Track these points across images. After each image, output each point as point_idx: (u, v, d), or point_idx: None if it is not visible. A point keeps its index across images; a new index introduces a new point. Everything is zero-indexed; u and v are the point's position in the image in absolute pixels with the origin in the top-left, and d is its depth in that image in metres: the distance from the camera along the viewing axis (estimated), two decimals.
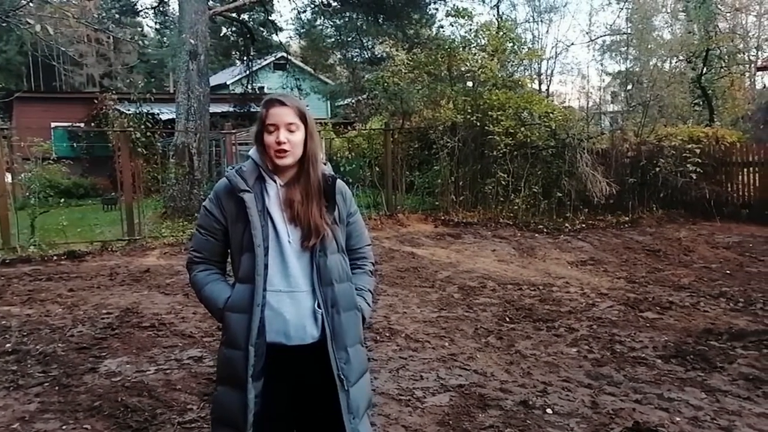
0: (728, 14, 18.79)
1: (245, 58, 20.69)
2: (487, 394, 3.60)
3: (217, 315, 2.01)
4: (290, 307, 1.92)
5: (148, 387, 3.75)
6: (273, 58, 26.94)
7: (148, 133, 10.74)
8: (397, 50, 14.19)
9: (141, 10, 20.63)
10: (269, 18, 20.61)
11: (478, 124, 11.00)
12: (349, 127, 15.29)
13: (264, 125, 1.95)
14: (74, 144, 19.14)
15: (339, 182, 2.05)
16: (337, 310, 1.96)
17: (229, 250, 2.06)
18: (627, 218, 10.47)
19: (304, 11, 18.67)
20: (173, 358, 4.31)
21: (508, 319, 5.22)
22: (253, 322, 1.89)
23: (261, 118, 1.97)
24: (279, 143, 1.93)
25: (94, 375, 3.99)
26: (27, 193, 9.47)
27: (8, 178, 9.37)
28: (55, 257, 8.13)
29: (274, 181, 1.99)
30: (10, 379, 3.91)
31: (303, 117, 1.98)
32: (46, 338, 4.77)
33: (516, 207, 10.49)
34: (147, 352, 4.44)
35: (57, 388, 3.77)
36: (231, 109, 20.23)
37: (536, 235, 9.55)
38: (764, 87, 21.86)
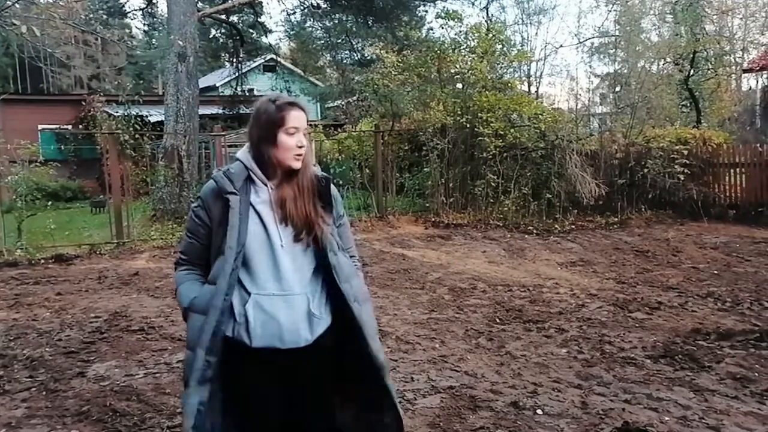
0: (715, 17, 18.97)
1: (234, 60, 20.67)
2: (478, 396, 3.61)
3: (183, 314, 2.03)
4: (284, 311, 1.91)
5: (137, 391, 3.72)
6: (262, 60, 26.89)
7: (137, 136, 10.67)
8: (387, 52, 14.20)
9: (129, 12, 20.45)
10: (258, 20, 20.55)
11: (468, 125, 11.03)
12: (339, 129, 15.28)
13: (284, 127, 1.95)
14: (62, 146, 19.02)
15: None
16: (358, 303, 2.01)
17: None
18: (616, 219, 10.54)
19: (294, 13, 18.67)
20: (162, 361, 4.28)
21: (498, 321, 5.24)
22: (207, 323, 1.88)
23: (278, 120, 1.95)
24: (300, 146, 1.96)
25: (82, 379, 3.95)
26: (14, 196, 9.37)
27: None
28: (42, 261, 8.06)
29: (266, 185, 1.98)
30: None
31: None
32: (34, 342, 4.72)
33: (506, 208, 10.52)
34: (136, 355, 4.41)
35: (44, 393, 3.73)
36: (220, 111, 20.18)
37: (526, 236, 9.58)
38: (750, 89, 22.11)
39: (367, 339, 1.99)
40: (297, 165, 1.97)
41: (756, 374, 3.87)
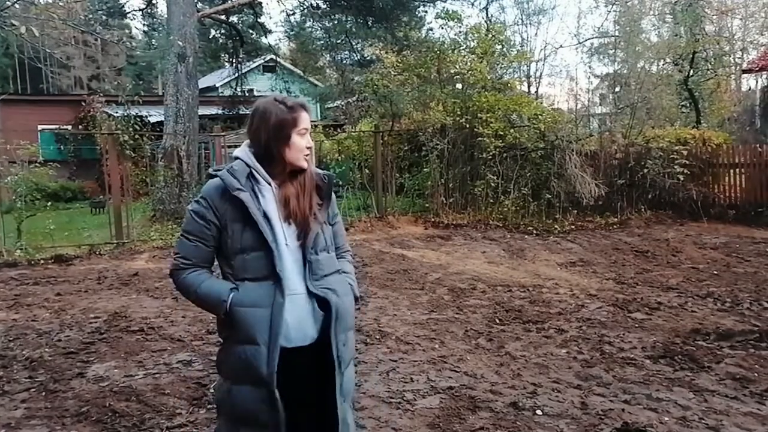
0: (714, 17, 18.96)
1: (234, 60, 20.61)
2: (477, 396, 3.60)
3: (221, 308, 1.94)
4: (291, 311, 1.94)
5: (136, 392, 3.72)
6: (262, 61, 26.87)
7: (137, 136, 10.67)
8: (386, 53, 14.20)
9: (129, 12, 20.40)
10: (258, 20, 20.52)
11: (468, 126, 11.04)
12: (338, 130, 15.29)
13: (297, 128, 1.99)
14: (61, 147, 19.04)
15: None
16: (336, 294, 2.01)
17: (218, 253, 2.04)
18: (615, 219, 10.54)
19: (293, 13, 18.61)
20: (162, 362, 4.28)
21: (498, 321, 5.24)
22: (279, 315, 1.90)
23: (291, 121, 1.98)
24: (308, 147, 2.02)
25: (82, 380, 3.95)
26: (13, 197, 9.37)
27: None
28: (42, 261, 8.06)
29: (269, 184, 2.00)
30: None
31: None
32: (33, 343, 4.72)
33: (505, 209, 10.52)
34: (135, 356, 4.41)
35: (44, 393, 3.73)
36: (220, 112, 20.18)
37: (526, 236, 9.58)
38: (750, 89, 22.11)
39: (332, 331, 1.98)
40: (306, 164, 2.02)
41: (756, 374, 3.87)
